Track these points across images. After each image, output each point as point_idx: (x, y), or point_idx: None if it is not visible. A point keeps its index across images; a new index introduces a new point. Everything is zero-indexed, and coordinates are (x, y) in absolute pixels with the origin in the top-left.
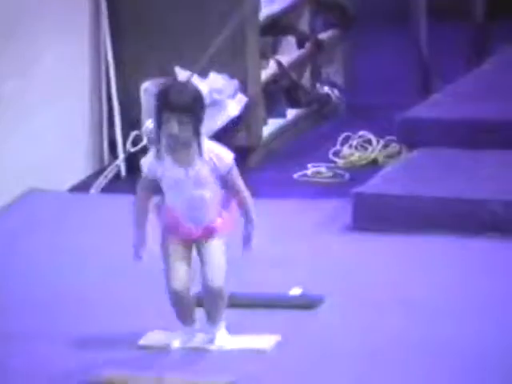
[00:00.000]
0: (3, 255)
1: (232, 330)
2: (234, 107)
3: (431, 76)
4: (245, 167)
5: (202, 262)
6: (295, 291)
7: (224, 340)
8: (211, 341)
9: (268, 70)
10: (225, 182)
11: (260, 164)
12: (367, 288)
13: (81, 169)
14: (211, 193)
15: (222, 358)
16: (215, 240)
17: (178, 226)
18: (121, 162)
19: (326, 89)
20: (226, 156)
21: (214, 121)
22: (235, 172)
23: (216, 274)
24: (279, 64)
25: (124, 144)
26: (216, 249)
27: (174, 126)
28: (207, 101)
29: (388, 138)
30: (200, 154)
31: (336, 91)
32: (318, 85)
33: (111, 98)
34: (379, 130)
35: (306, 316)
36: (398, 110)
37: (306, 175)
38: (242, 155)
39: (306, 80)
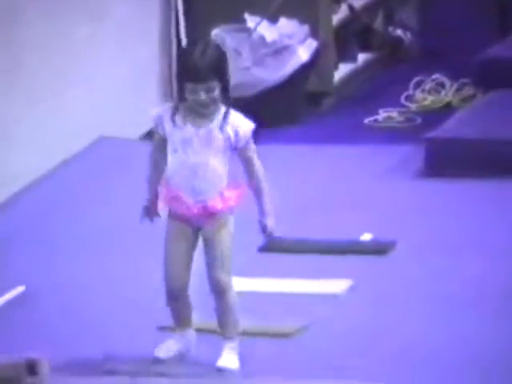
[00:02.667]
0: (72, 201)
1: (304, 275)
2: (304, 52)
3: (509, 15)
4: (316, 113)
5: (206, 253)
6: (366, 237)
7: (228, 362)
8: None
9: (340, 15)
10: (241, 156)
11: (331, 109)
12: (439, 233)
13: (150, 117)
14: (217, 161)
15: (294, 303)
16: (222, 228)
17: (177, 199)
18: None
19: (399, 32)
20: (247, 127)
21: (284, 66)
22: (253, 146)
23: (220, 268)
24: (351, 8)
25: None
26: (222, 239)
27: (201, 95)
28: (278, 46)
29: (462, 80)
30: (225, 118)
31: (409, 34)
32: (390, 28)
33: (181, 45)
34: (453, 72)
35: (377, 261)
36: (473, 51)
37: (377, 120)
38: (313, 101)
39: (378, 23)
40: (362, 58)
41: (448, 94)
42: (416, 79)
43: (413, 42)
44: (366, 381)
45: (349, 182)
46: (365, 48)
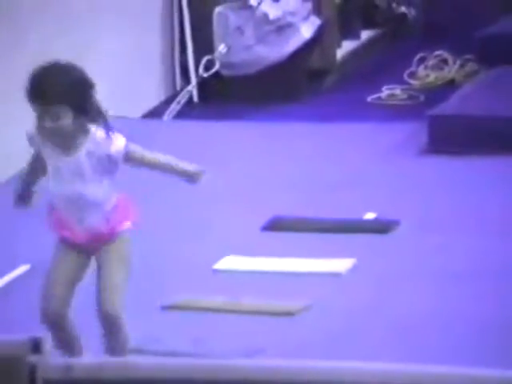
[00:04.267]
0: None
1: (308, 254)
2: (307, 30)
3: None
4: (318, 90)
5: (97, 282)
6: (369, 216)
7: None
8: None
9: None
10: (131, 162)
11: (333, 87)
12: (442, 211)
13: (153, 95)
14: (96, 187)
15: (298, 282)
16: (113, 255)
17: (63, 225)
18: (193, 87)
19: (403, 8)
20: (117, 141)
21: (287, 44)
22: (136, 148)
23: (108, 296)
24: None
25: (196, 69)
26: (112, 270)
27: (45, 121)
28: (281, 23)
29: (465, 56)
30: (89, 141)
31: (413, 10)
32: (394, 4)
33: (183, 23)
34: (457, 48)
35: (380, 240)
36: (477, 27)
37: (380, 98)
38: (316, 78)
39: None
40: (365, 34)
41: (451, 71)
42: (419, 56)
43: (416, 18)
44: (369, 359)
45: (352, 160)
46: (368, 25)
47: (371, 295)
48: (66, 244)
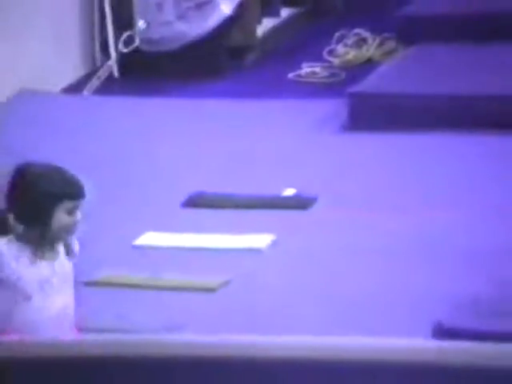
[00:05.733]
0: None
1: (228, 230)
2: (227, 6)
3: None
4: (239, 67)
5: None
6: (288, 192)
7: None
8: None
9: None
10: None
11: (254, 64)
12: (361, 188)
13: (73, 70)
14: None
15: (217, 257)
16: None
17: None
18: (113, 62)
19: None
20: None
21: (207, 20)
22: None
23: None
24: None
25: (116, 44)
26: None
27: (78, 214)
28: (200, 0)
29: (384, 35)
30: (70, 249)
31: None
32: None
33: None
34: (376, 27)
35: (299, 216)
36: (397, 6)
37: (300, 75)
38: (236, 55)
39: None
40: (285, 12)
41: (369, 49)
42: (338, 34)
43: None
44: (288, 333)
45: (272, 136)
46: (288, 2)
47: (291, 270)
48: None
